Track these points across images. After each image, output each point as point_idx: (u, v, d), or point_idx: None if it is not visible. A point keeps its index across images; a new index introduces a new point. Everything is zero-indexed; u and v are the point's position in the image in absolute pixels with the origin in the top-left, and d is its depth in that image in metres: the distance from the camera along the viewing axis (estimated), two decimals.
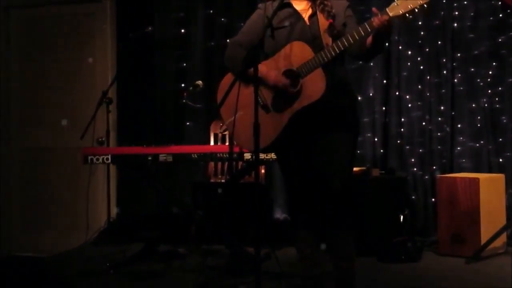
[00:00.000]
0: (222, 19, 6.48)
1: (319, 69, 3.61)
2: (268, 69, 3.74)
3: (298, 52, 3.69)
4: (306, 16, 3.80)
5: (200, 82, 5.26)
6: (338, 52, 3.58)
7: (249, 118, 3.54)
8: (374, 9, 3.49)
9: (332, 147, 3.72)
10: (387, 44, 5.98)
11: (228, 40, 6.22)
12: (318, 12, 3.73)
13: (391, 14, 3.40)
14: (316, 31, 3.70)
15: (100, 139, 5.49)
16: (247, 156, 4.69)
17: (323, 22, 3.69)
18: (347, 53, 3.77)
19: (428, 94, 5.95)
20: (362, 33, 3.51)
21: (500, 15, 5.79)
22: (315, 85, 3.61)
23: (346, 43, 3.55)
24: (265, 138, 3.62)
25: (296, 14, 3.81)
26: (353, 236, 3.79)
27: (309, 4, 3.80)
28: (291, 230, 4.02)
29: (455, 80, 5.90)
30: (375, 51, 3.67)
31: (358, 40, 3.54)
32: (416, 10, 3.40)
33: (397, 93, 6.02)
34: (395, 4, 3.40)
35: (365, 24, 3.50)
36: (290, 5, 3.84)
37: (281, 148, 3.91)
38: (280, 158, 4.02)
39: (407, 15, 3.44)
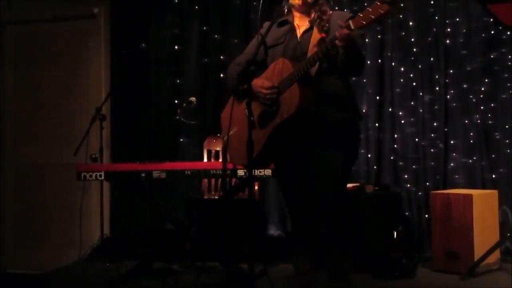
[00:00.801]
0: (216, 36, 6.50)
1: (295, 85, 3.61)
2: (257, 80, 3.77)
3: (281, 68, 3.71)
4: (300, 31, 3.82)
5: (193, 99, 5.26)
6: (309, 67, 3.58)
7: (240, 134, 3.57)
8: (339, 22, 3.50)
9: (322, 165, 3.72)
10: (380, 60, 6.02)
11: (221, 57, 6.35)
12: (314, 27, 3.73)
13: (353, 27, 3.39)
14: (305, 47, 3.72)
15: (93, 156, 5.48)
16: (241, 172, 4.69)
17: (315, 37, 3.69)
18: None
19: (421, 110, 5.97)
20: (329, 47, 3.51)
21: (493, 32, 5.82)
22: (290, 101, 3.63)
23: (316, 58, 3.56)
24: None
25: (292, 31, 3.83)
26: (346, 255, 3.78)
27: (309, 19, 3.81)
28: (289, 246, 4.02)
29: (448, 97, 5.92)
30: (348, 64, 3.62)
31: (325, 55, 3.54)
32: (378, 21, 3.39)
33: (390, 110, 6.04)
34: (360, 15, 3.39)
35: (330, 38, 3.52)
36: (288, 22, 3.87)
37: (278, 163, 3.93)
38: (277, 174, 4.04)
39: (370, 26, 3.44)
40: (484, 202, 5.25)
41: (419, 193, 5.94)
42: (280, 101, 3.68)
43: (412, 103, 6.01)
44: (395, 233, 5.33)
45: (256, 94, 3.75)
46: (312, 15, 3.79)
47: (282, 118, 3.66)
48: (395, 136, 6.03)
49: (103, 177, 4.85)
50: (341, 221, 3.76)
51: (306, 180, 3.79)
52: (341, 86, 3.80)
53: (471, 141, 5.86)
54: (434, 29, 5.94)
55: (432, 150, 5.94)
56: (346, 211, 3.82)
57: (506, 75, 5.80)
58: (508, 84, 5.80)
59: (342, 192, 3.82)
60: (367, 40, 5.99)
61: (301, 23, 3.85)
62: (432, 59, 5.95)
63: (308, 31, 3.79)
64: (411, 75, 6.00)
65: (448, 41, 5.92)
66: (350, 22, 3.39)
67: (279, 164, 3.95)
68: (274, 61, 3.80)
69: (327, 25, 3.68)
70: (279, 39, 3.86)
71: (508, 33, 5.78)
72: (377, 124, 6.05)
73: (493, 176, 5.81)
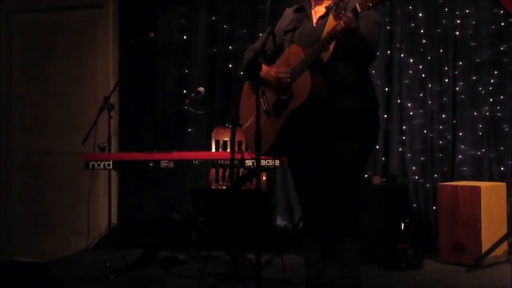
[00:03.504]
0: (224, 26, 6.48)
1: (306, 72, 3.57)
2: (265, 67, 3.75)
3: (294, 55, 3.68)
4: (316, 18, 3.78)
5: (201, 89, 5.26)
6: (319, 53, 3.54)
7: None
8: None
9: (336, 156, 3.68)
10: (388, 51, 6.01)
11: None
12: (330, 14, 3.60)
13: (360, 10, 3.32)
14: (320, 33, 3.64)
15: (101, 145, 5.49)
16: (249, 163, 4.69)
17: (330, 23, 3.58)
18: None
19: (429, 102, 5.95)
20: (333, 34, 3.45)
21: (502, 24, 5.81)
22: (301, 89, 3.59)
23: (324, 44, 3.51)
24: (265, 143, 3.64)
25: (308, 17, 3.80)
26: (357, 245, 3.78)
27: (325, 5, 3.73)
28: (297, 237, 4.00)
29: (457, 88, 5.91)
30: (355, 51, 3.58)
31: (330, 42, 3.49)
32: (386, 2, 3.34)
33: (398, 101, 6.03)
34: None
35: (335, 25, 3.44)
36: (303, 9, 3.84)
37: (290, 153, 3.92)
38: (290, 165, 4.02)
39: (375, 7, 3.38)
40: (491, 194, 5.24)
41: (427, 185, 5.93)
42: (293, 88, 3.66)
43: (420, 94, 6.00)
44: (402, 224, 5.34)
45: (268, 81, 3.74)
46: (329, 2, 3.73)
47: (294, 106, 3.62)
48: (403, 127, 6.02)
49: (111, 166, 4.85)
50: (353, 212, 3.75)
51: (319, 171, 3.76)
52: (355, 74, 3.70)
53: (479, 133, 5.85)
54: (443, 21, 5.92)
55: (440, 142, 5.94)
56: (359, 202, 3.80)
57: None
58: None
59: (356, 183, 3.77)
60: None
61: (318, 9, 3.80)
62: (441, 50, 5.93)
63: (323, 17, 3.71)
64: (420, 67, 5.98)
65: (457, 33, 5.90)
66: (357, 5, 3.32)
67: (292, 155, 3.93)
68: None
69: (343, 12, 3.46)
70: (295, 25, 3.83)
71: None
72: (385, 116, 6.04)
73: (501, 168, 5.81)
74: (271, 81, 3.73)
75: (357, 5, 3.32)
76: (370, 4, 3.30)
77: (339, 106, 3.66)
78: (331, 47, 3.57)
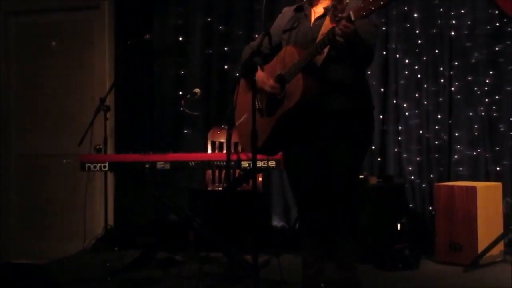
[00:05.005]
0: (221, 27, 6.49)
1: (299, 75, 3.58)
2: (261, 73, 3.76)
3: (289, 56, 3.69)
4: (314, 18, 3.78)
5: (198, 90, 5.27)
6: (312, 57, 3.53)
7: (250, 121, 3.56)
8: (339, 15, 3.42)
9: (330, 156, 3.69)
10: (384, 52, 6.01)
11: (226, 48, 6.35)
12: (328, 15, 3.60)
13: (353, 18, 3.29)
14: (316, 34, 3.64)
15: (97, 147, 5.48)
16: (245, 164, 4.69)
17: (327, 25, 3.58)
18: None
19: (425, 102, 5.96)
20: (326, 41, 3.45)
21: (498, 24, 5.81)
22: (294, 91, 3.60)
23: (318, 49, 3.51)
24: (257, 141, 3.64)
25: (305, 17, 3.81)
26: (354, 245, 3.78)
27: (324, 5, 3.71)
28: (294, 237, 3.99)
29: (453, 88, 5.91)
30: (353, 54, 3.58)
31: (323, 47, 3.48)
32: (379, 9, 3.32)
33: (394, 101, 6.03)
34: (360, 6, 3.28)
35: (330, 30, 3.43)
36: (303, 9, 3.85)
37: (286, 153, 3.93)
38: (286, 165, 4.03)
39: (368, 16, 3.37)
40: (488, 194, 5.26)
41: (423, 185, 5.94)
42: (286, 89, 3.67)
43: (416, 95, 6.00)
44: (398, 224, 5.34)
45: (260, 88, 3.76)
46: (328, 2, 3.71)
47: (287, 108, 3.63)
48: (399, 127, 6.03)
49: (107, 168, 4.86)
50: (349, 212, 3.75)
51: (314, 171, 3.77)
52: (349, 75, 3.70)
53: (475, 133, 5.85)
54: (439, 21, 5.92)
55: (436, 142, 5.94)
56: (355, 202, 3.81)
57: (510, 67, 5.79)
58: None
59: (352, 183, 3.78)
60: None
61: (316, 9, 3.80)
62: (437, 51, 5.93)
63: (321, 18, 3.71)
64: (416, 67, 5.99)
65: (453, 33, 5.90)
66: (351, 13, 3.29)
67: (287, 155, 3.94)
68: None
69: (340, 14, 3.42)
70: (293, 24, 3.83)
71: None
72: (381, 116, 6.04)
73: (497, 168, 5.81)
74: (264, 90, 3.76)
75: (351, 13, 3.30)
76: (364, 13, 3.27)
77: (334, 106, 3.66)
78: (325, 50, 3.57)
